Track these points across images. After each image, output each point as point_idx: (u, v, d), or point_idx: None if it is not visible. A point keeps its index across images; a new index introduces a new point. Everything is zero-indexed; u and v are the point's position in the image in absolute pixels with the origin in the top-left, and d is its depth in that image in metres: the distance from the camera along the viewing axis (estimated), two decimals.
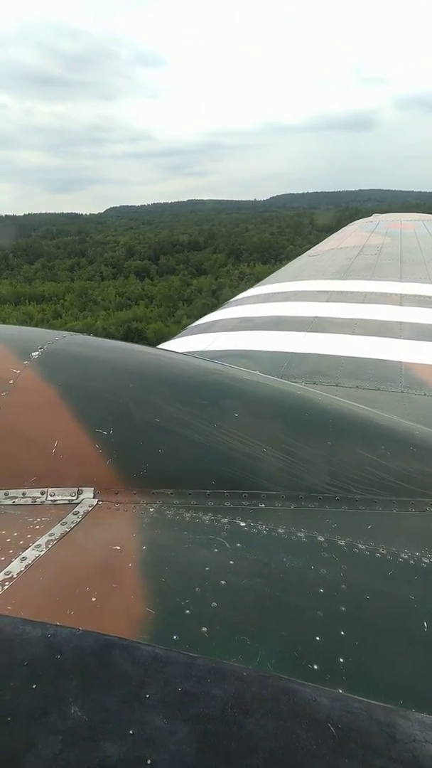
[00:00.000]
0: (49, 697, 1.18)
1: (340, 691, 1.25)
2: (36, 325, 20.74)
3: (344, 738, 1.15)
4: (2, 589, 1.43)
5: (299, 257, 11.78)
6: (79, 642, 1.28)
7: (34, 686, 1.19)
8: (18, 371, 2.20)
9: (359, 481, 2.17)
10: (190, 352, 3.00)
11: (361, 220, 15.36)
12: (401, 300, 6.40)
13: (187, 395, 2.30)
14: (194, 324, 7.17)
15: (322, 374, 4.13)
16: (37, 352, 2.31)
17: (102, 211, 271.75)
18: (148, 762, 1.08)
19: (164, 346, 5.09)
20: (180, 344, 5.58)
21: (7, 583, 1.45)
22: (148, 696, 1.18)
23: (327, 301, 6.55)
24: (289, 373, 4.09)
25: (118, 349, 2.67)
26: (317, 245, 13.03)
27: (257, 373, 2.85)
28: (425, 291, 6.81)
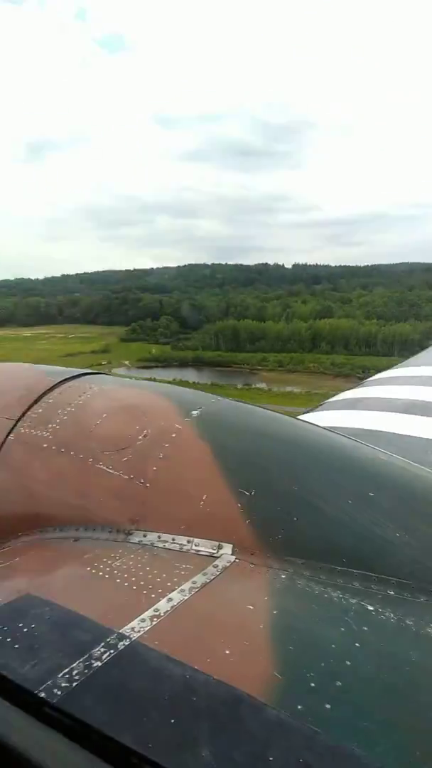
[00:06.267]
0: (184, 734, 1.25)
1: None
2: None
3: None
4: (151, 623, 1.57)
5: None
6: (215, 690, 1.35)
7: (173, 721, 1.28)
8: (180, 427, 2.43)
9: None
10: (327, 427, 3.06)
11: None
12: None
13: (327, 469, 2.36)
14: (332, 399, 7.19)
15: None
16: (196, 411, 2.53)
17: None
18: None
19: (303, 417, 5.18)
20: (318, 417, 5.63)
21: (155, 620, 1.59)
22: (271, 759, 1.20)
23: None
24: (427, 460, 3.91)
25: (266, 416, 2.81)
26: None
27: (395, 455, 2.81)
28: None
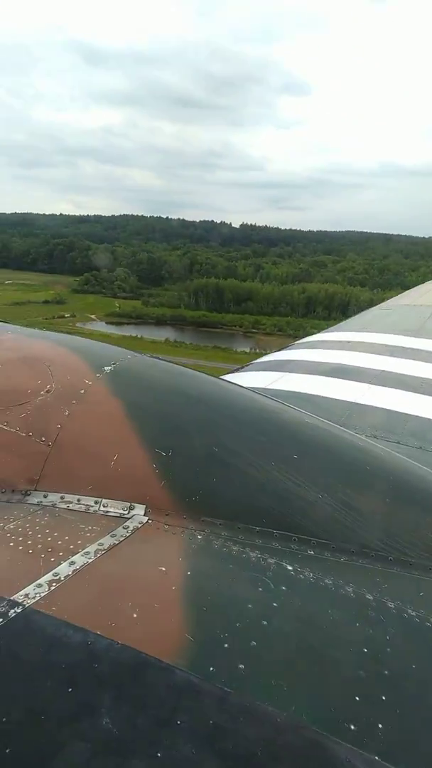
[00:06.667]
0: (82, 703, 1.18)
1: (377, 758, 1.18)
2: None
3: None
4: (49, 589, 1.46)
5: (370, 309, 11.68)
6: (118, 655, 1.29)
7: (70, 690, 1.21)
8: (90, 383, 2.28)
9: (415, 545, 2.08)
10: (252, 388, 3.02)
11: None
12: None
13: (249, 430, 2.31)
14: (258, 360, 7.23)
15: (384, 429, 4.03)
16: (109, 367, 2.39)
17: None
18: None
19: (227, 378, 5.15)
20: (243, 378, 5.62)
21: (54, 584, 1.48)
22: (179, 722, 1.17)
23: (395, 356, 6.42)
24: (350, 423, 4.02)
25: (186, 374, 2.71)
26: (389, 300, 12.90)
27: (320, 418, 2.82)
28: None
